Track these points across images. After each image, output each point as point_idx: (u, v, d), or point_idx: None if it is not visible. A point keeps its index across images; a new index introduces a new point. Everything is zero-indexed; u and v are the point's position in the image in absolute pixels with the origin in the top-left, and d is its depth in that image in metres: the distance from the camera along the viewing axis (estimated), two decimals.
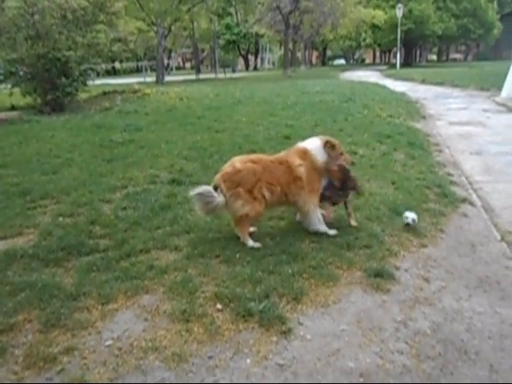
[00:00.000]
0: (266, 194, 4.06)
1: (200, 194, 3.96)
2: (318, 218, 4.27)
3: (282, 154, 4.37)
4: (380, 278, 3.49)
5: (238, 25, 47.34)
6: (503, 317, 3.08)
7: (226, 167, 4.14)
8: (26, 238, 4.32)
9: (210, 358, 2.65)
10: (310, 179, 4.20)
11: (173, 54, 58.42)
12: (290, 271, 3.51)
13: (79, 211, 4.93)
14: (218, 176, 4.10)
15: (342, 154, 4.32)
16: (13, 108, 14.26)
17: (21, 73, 13.90)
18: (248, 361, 2.63)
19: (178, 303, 3.15)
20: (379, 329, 2.92)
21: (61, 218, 4.75)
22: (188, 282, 3.40)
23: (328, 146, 4.24)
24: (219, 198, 3.95)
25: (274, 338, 2.81)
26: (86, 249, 3.99)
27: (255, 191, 4.01)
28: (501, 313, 3.13)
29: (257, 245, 4.03)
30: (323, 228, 4.28)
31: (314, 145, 4.28)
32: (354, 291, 3.34)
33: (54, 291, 3.28)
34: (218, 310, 3.07)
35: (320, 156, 4.21)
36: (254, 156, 4.37)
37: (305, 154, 4.22)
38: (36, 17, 13.00)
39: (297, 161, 4.17)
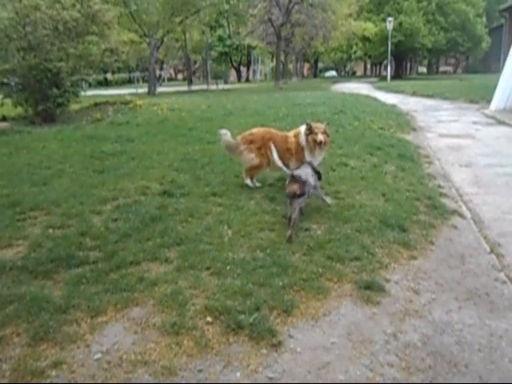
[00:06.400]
0: (269, 153, 5.73)
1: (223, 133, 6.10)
2: None
3: (286, 132, 6.16)
4: (370, 290, 3.50)
5: (230, 37, 47.62)
6: (492, 329, 3.09)
7: (247, 132, 6.17)
8: (16, 249, 4.28)
9: (200, 371, 2.64)
10: (297, 151, 5.81)
11: (165, 66, 58.59)
12: (280, 284, 3.51)
13: (69, 223, 4.90)
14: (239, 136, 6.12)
15: (315, 133, 5.58)
16: (4, 119, 14.15)
17: (12, 83, 13.86)
18: (238, 374, 2.62)
19: (167, 316, 3.13)
20: (369, 341, 2.92)
21: (51, 230, 4.71)
22: (178, 294, 3.38)
23: (306, 129, 5.69)
24: (226, 137, 6.09)
25: (264, 351, 2.80)
26: (76, 261, 3.96)
27: (262, 149, 5.90)
28: (490, 325, 3.14)
29: (251, 184, 6.07)
30: None
31: (303, 129, 5.77)
32: (344, 304, 3.35)
33: (42, 304, 3.25)
34: (208, 323, 3.06)
35: (303, 137, 5.72)
36: (267, 128, 6.49)
37: (298, 134, 5.83)
38: (28, 28, 13.00)
39: (291, 137, 5.91)
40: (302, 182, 4.56)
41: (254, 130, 6.16)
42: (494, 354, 2.83)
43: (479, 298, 3.51)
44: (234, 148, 6.08)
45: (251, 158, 5.92)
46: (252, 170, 6.05)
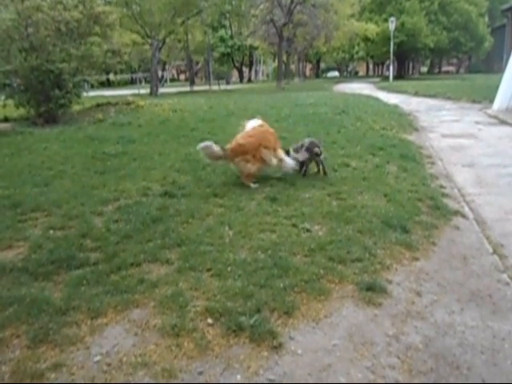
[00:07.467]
0: (264, 151, 6.17)
1: (205, 147, 6.04)
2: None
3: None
4: (372, 291, 3.48)
5: (232, 37, 47.66)
6: (495, 331, 3.07)
7: (233, 144, 6.15)
8: (16, 251, 4.28)
9: (200, 373, 2.62)
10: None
11: (167, 66, 58.74)
12: (281, 285, 3.49)
13: (70, 224, 4.90)
14: (228, 146, 6.14)
15: None
16: (6, 119, 14.19)
17: (14, 85, 13.88)
18: (238, 376, 2.60)
19: (168, 318, 3.11)
20: (371, 343, 2.90)
21: (51, 231, 4.70)
22: (179, 296, 3.37)
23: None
24: (217, 149, 6.04)
25: (265, 353, 2.78)
26: (77, 262, 3.95)
27: (257, 155, 6.14)
28: (493, 327, 3.12)
29: (256, 186, 6.14)
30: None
31: None
32: (345, 305, 3.33)
33: (42, 306, 3.23)
34: (209, 325, 3.04)
35: None
36: (250, 132, 6.37)
37: None
38: (30, 29, 13.03)
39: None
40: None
41: (241, 140, 6.17)
42: (496, 356, 2.81)
43: (482, 300, 3.48)
44: (221, 156, 6.16)
45: (249, 168, 6.13)
46: (251, 176, 6.23)
